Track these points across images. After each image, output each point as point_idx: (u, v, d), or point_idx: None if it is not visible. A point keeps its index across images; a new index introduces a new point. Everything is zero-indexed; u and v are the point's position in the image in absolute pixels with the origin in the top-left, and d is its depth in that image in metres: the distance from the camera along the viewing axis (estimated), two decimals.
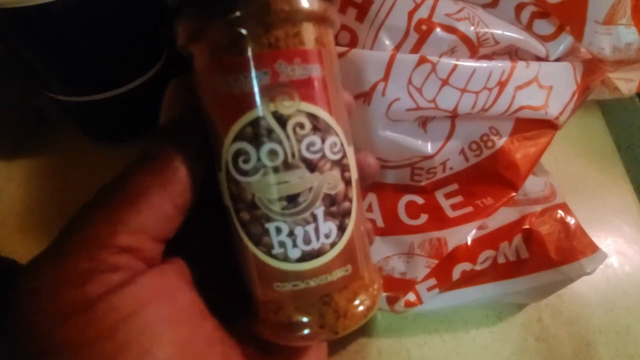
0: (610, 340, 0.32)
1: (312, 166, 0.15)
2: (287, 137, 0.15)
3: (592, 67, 0.28)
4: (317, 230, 0.15)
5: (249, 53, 0.14)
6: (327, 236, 0.15)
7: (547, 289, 0.29)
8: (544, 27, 0.26)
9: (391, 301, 0.27)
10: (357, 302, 0.16)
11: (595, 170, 0.41)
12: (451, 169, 0.29)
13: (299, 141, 0.15)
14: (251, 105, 0.14)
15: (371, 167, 0.20)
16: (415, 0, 0.24)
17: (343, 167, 0.16)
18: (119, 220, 0.14)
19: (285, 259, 0.15)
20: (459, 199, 0.29)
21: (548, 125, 0.28)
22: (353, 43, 0.25)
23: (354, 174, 0.17)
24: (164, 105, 0.17)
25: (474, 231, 0.28)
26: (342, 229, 0.16)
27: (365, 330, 0.31)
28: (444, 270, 0.28)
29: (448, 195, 0.29)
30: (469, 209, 0.28)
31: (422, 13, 0.24)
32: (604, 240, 0.36)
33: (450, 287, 0.29)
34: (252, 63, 0.14)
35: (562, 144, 0.41)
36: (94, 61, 0.31)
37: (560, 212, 0.29)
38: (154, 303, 0.14)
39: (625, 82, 0.30)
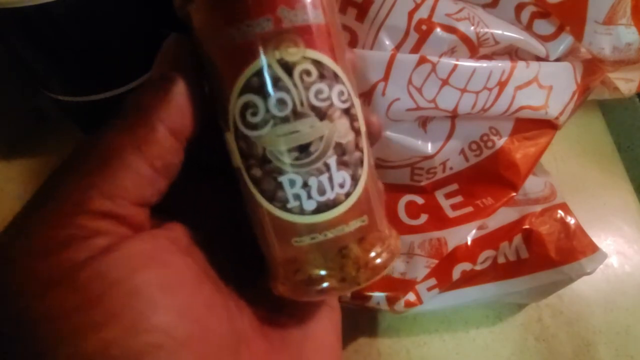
0: (610, 340, 0.32)
1: (321, 114, 0.15)
2: (295, 85, 0.14)
3: (592, 67, 0.28)
4: (330, 179, 0.15)
5: (250, 0, 0.14)
6: (341, 186, 0.15)
7: (547, 289, 0.29)
8: (544, 27, 0.26)
9: (391, 301, 0.27)
10: (375, 252, 0.16)
11: (595, 170, 0.41)
12: (451, 169, 0.29)
13: (307, 89, 0.14)
14: (256, 54, 0.14)
15: (373, 125, 0.19)
16: (415, 0, 0.24)
17: (352, 117, 0.16)
18: (93, 184, 0.13)
19: (301, 211, 0.15)
20: (459, 199, 0.29)
21: (548, 125, 0.28)
22: (353, 43, 0.25)
23: (362, 126, 0.16)
24: (157, 59, 0.17)
25: (474, 231, 0.28)
26: (355, 178, 0.16)
27: (365, 330, 0.31)
28: (444, 270, 0.28)
29: (448, 195, 0.29)
30: (469, 209, 0.28)
31: (422, 13, 0.24)
32: (604, 240, 0.36)
33: (450, 287, 0.29)
34: (253, 11, 0.14)
35: (562, 144, 0.41)
36: (94, 61, 0.31)
37: (560, 212, 0.29)
38: (144, 268, 0.13)
39: (625, 82, 0.30)
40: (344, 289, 0.16)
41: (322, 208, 0.15)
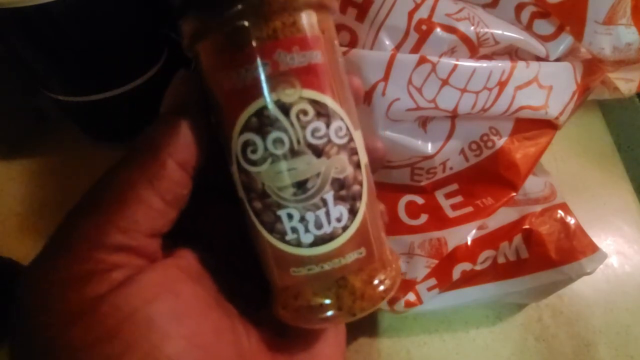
0: (610, 340, 0.32)
1: (318, 151, 0.15)
2: (292, 124, 0.15)
3: (592, 67, 0.28)
4: (328, 214, 0.15)
5: (249, 46, 0.15)
6: (338, 220, 0.16)
7: (547, 289, 0.29)
8: (544, 27, 0.26)
9: (391, 301, 0.27)
10: (373, 283, 0.16)
11: (595, 170, 0.41)
12: (451, 169, 0.29)
13: (304, 128, 0.15)
14: (255, 96, 0.15)
15: (378, 151, 0.19)
16: (415, 0, 0.24)
17: (350, 151, 0.16)
18: (108, 219, 0.14)
19: (299, 244, 0.16)
20: (459, 199, 0.29)
21: (548, 125, 0.28)
22: (353, 43, 0.25)
23: (362, 157, 0.17)
24: (166, 96, 0.17)
25: (474, 231, 0.28)
26: (353, 212, 0.16)
27: (365, 330, 0.31)
28: (444, 270, 0.28)
29: (448, 195, 0.29)
30: (469, 209, 0.28)
31: (422, 13, 0.24)
32: (604, 240, 0.36)
33: (450, 287, 0.29)
34: (252, 56, 0.15)
35: (562, 144, 0.41)
36: (94, 61, 0.31)
37: (560, 212, 0.29)
38: (157, 299, 0.14)
39: (625, 82, 0.30)
40: (340, 319, 0.16)
41: (319, 241, 0.16)
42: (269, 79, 0.15)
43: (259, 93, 0.15)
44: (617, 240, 0.37)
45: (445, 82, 0.25)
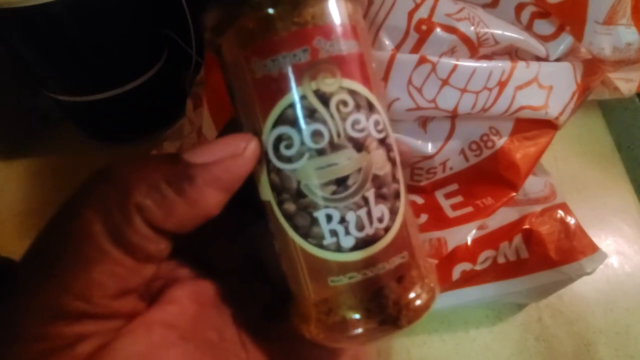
0: (610, 340, 0.32)
1: (359, 145, 0.14)
2: (331, 116, 0.14)
3: (592, 67, 0.28)
4: (369, 214, 0.14)
5: (286, 33, 0.14)
6: (380, 220, 0.14)
7: (547, 289, 0.29)
8: (544, 27, 0.26)
9: None
10: (415, 292, 0.15)
11: (595, 170, 0.41)
12: (451, 169, 0.29)
13: (344, 119, 0.14)
14: (291, 85, 0.14)
15: (405, 154, 0.18)
16: (415, 0, 0.24)
17: (388, 147, 0.15)
18: (64, 284, 0.12)
19: (339, 248, 0.14)
20: (459, 199, 0.29)
21: (548, 125, 0.28)
22: None
23: (397, 156, 0.16)
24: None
25: (474, 231, 0.28)
26: (394, 212, 0.15)
27: None
28: (444, 270, 0.28)
29: (448, 195, 0.29)
30: (469, 209, 0.28)
31: (422, 13, 0.24)
32: (604, 240, 0.36)
33: (450, 287, 0.29)
34: (289, 42, 0.14)
35: (562, 144, 0.41)
36: (94, 61, 0.31)
37: (560, 212, 0.29)
38: None
39: (625, 82, 0.30)
40: (383, 334, 0.15)
41: (360, 244, 0.14)
42: (308, 66, 0.14)
43: (297, 82, 0.14)
44: (617, 240, 0.37)
45: (445, 82, 0.25)
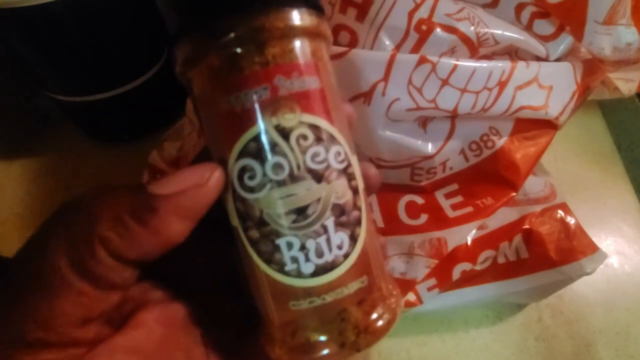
0: (610, 340, 0.32)
1: (318, 176, 0.15)
2: (291, 149, 0.15)
3: (592, 67, 0.28)
4: (329, 241, 0.15)
5: (248, 71, 0.15)
6: (339, 247, 0.15)
7: (547, 289, 0.29)
8: (544, 27, 0.26)
9: None
10: (376, 315, 0.16)
11: (595, 170, 0.41)
12: (451, 169, 0.29)
13: (304, 152, 0.15)
14: (253, 120, 0.15)
15: (372, 178, 0.19)
16: (415, 0, 0.24)
17: (349, 176, 0.16)
18: (27, 313, 0.12)
19: (299, 274, 0.15)
20: (459, 199, 0.29)
21: (548, 125, 0.28)
22: (353, 43, 0.25)
23: (360, 183, 0.16)
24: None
25: (474, 231, 0.28)
26: (354, 238, 0.16)
27: None
28: (444, 270, 0.28)
29: (448, 195, 0.29)
30: (469, 209, 0.28)
31: (422, 13, 0.24)
32: (604, 240, 0.36)
33: (450, 287, 0.29)
34: (252, 80, 0.15)
35: (562, 144, 0.41)
36: (94, 61, 0.31)
37: (560, 212, 0.29)
38: None
39: (625, 82, 0.30)
40: (343, 355, 0.15)
41: (320, 271, 0.15)
42: (268, 103, 0.15)
43: (258, 117, 0.15)
44: (617, 240, 0.37)
45: (445, 82, 0.25)
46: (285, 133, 0.15)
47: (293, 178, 0.15)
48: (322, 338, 0.15)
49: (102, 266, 0.13)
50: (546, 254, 0.28)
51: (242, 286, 0.17)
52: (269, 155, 0.15)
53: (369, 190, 0.18)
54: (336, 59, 0.24)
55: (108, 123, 0.39)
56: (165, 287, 0.17)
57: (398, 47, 0.25)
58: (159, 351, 0.15)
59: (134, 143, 0.40)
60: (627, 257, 0.36)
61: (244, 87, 0.15)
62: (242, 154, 0.15)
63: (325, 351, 0.15)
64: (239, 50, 0.15)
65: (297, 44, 0.15)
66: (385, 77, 0.24)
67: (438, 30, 0.24)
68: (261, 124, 0.15)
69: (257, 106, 0.15)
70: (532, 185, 0.30)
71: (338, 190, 0.15)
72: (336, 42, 0.25)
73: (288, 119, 0.15)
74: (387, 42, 0.25)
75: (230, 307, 0.18)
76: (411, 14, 0.24)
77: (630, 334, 0.32)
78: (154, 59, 0.35)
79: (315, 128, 0.15)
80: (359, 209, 0.16)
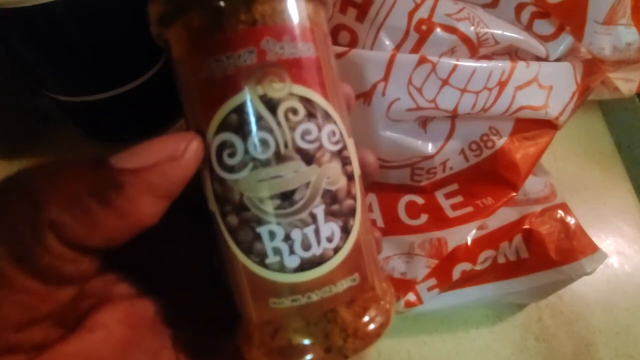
0: (610, 340, 0.32)
1: (308, 157, 0.13)
2: (279, 124, 0.13)
3: (592, 67, 0.28)
4: (317, 232, 0.13)
5: (233, 30, 0.13)
6: (329, 239, 0.13)
7: (547, 289, 0.29)
8: (544, 27, 0.26)
9: None
10: (367, 317, 0.14)
11: (595, 170, 0.41)
12: (451, 169, 0.29)
13: (293, 129, 0.13)
14: (236, 89, 0.13)
15: (371, 165, 0.17)
16: (415, 1, 0.24)
17: (344, 160, 0.14)
18: None
19: (282, 268, 0.13)
20: (459, 199, 0.29)
21: (548, 125, 0.28)
22: (353, 43, 0.25)
23: (356, 169, 0.15)
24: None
25: (474, 231, 0.28)
26: (346, 230, 0.14)
27: None
28: (444, 270, 0.28)
29: (448, 195, 0.29)
30: (469, 209, 0.28)
31: (422, 13, 0.24)
32: (604, 240, 0.36)
33: (450, 287, 0.29)
34: (236, 41, 0.13)
35: (562, 144, 0.41)
36: (94, 61, 0.31)
37: (560, 212, 0.29)
38: None
39: (625, 82, 0.30)
40: None
41: (306, 265, 0.13)
42: (254, 69, 0.13)
43: (241, 85, 0.13)
44: (617, 240, 0.37)
45: (445, 82, 0.25)
46: (272, 105, 0.13)
47: (279, 157, 0.13)
48: (306, 341, 0.13)
49: (51, 256, 0.11)
50: (546, 254, 0.28)
51: (222, 278, 0.15)
52: (253, 130, 0.13)
53: (365, 179, 0.16)
54: (336, 59, 0.24)
55: (108, 123, 0.39)
56: (131, 280, 0.15)
57: (398, 47, 0.25)
58: (120, 356, 0.13)
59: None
60: (627, 257, 0.36)
61: (227, 49, 0.13)
62: (222, 127, 0.13)
63: (309, 356, 0.13)
64: (222, 4, 0.13)
65: (292, 2, 0.13)
66: (385, 77, 0.24)
67: (438, 30, 0.24)
68: (245, 93, 0.13)
69: (240, 71, 0.13)
70: (532, 185, 0.30)
71: (330, 174, 0.13)
72: (336, 42, 0.25)
73: (276, 89, 0.13)
74: (387, 42, 0.25)
75: (208, 303, 0.16)
76: (411, 14, 0.24)
77: (630, 334, 0.32)
78: (154, 59, 0.35)
79: (307, 102, 0.13)
80: (354, 198, 0.14)
